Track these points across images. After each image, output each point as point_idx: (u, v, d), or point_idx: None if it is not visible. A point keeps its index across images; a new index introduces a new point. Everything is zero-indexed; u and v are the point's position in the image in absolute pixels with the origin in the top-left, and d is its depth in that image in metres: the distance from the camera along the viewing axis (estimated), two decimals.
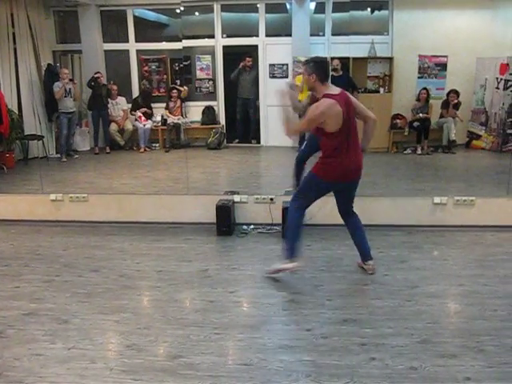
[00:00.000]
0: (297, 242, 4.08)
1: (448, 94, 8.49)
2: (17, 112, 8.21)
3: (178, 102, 9.23)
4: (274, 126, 6.20)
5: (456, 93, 8.40)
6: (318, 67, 3.86)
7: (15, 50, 8.20)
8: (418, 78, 8.80)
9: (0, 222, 5.74)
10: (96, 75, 8.67)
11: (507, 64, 8.11)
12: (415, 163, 8.24)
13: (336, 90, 3.86)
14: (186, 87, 9.44)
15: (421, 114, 8.46)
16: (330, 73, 5.92)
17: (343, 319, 3.47)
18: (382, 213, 5.41)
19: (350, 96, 3.94)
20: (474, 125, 8.72)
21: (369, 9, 9.21)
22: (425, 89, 8.60)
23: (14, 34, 8.13)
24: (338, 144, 3.84)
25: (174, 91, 9.23)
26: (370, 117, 4.01)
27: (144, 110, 9.10)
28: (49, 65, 8.77)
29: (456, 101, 8.41)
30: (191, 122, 9.44)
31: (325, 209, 5.30)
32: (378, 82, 8.97)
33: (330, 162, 3.91)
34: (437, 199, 5.36)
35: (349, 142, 3.86)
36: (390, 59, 8.84)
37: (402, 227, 5.32)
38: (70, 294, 3.93)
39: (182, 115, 9.28)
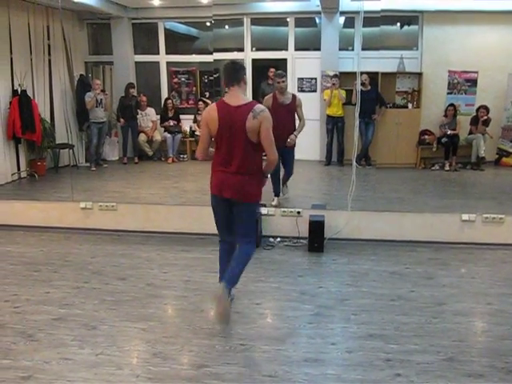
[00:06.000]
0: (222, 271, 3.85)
1: (477, 110, 8.42)
2: (49, 121, 8.40)
3: None
4: (301, 140, 6.21)
5: (486, 109, 8.31)
6: (224, 70, 3.60)
7: (49, 61, 8.41)
8: (448, 93, 8.74)
9: (31, 228, 5.86)
10: (131, 90, 8.88)
11: None
12: (443, 179, 8.16)
13: (237, 100, 3.51)
14: (211, 101, 9.52)
15: (449, 131, 8.39)
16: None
17: (368, 334, 3.46)
18: (410, 229, 5.37)
19: (261, 120, 3.44)
20: (504, 142, 8.61)
21: (398, 24, 9.22)
22: (452, 105, 8.53)
23: (49, 45, 8.37)
24: (220, 156, 3.58)
25: (201, 103, 9.33)
26: (267, 154, 3.56)
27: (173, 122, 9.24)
28: (81, 75, 8.97)
29: (486, 117, 8.32)
30: None
31: (351, 223, 5.32)
32: (407, 97, 8.94)
33: (212, 173, 3.67)
34: (465, 216, 5.31)
35: (231, 158, 3.53)
36: (419, 74, 8.81)
37: (429, 243, 5.28)
38: (98, 300, 4.00)
39: None
